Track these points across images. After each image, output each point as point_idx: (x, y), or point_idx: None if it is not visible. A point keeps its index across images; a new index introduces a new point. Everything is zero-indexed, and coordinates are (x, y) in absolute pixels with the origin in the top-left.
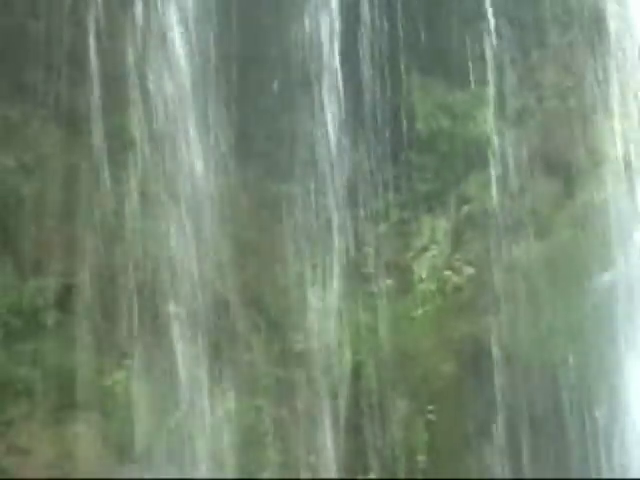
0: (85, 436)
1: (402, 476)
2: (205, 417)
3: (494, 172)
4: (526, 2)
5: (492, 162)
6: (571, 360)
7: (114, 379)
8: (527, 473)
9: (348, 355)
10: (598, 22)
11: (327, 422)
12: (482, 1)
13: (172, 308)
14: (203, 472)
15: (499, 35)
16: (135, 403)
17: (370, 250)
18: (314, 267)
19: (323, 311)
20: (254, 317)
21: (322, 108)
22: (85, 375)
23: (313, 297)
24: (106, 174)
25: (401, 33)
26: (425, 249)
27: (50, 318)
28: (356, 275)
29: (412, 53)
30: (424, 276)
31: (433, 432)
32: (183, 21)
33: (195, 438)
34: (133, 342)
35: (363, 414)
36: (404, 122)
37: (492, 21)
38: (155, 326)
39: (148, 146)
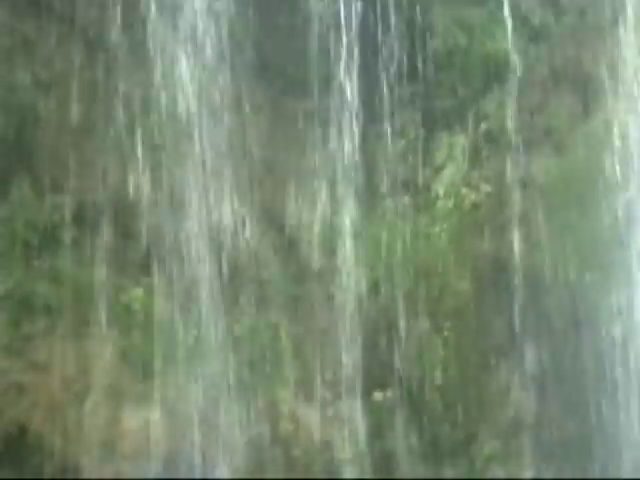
0: (103, 352)
1: (418, 393)
2: (223, 334)
3: (512, 89)
4: None
5: (510, 79)
6: (588, 277)
7: (132, 296)
8: (543, 390)
9: (365, 273)
10: None
11: (344, 339)
12: None
13: (189, 226)
14: (221, 389)
15: None
16: (153, 320)
17: (387, 168)
18: (331, 185)
19: (340, 229)
20: (271, 235)
21: (338, 25)
22: (103, 292)
23: (330, 215)
24: (123, 91)
25: None
26: (442, 167)
27: (67, 235)
28: (373, 193)
29: None
30: (441, 194)
31: (449, 350)
32: None
33: (213, 355)
34: (151, 260)
35: (380, 331)
36: (421, 39)
37: None
38: (173, 244)
39: (167, 63)
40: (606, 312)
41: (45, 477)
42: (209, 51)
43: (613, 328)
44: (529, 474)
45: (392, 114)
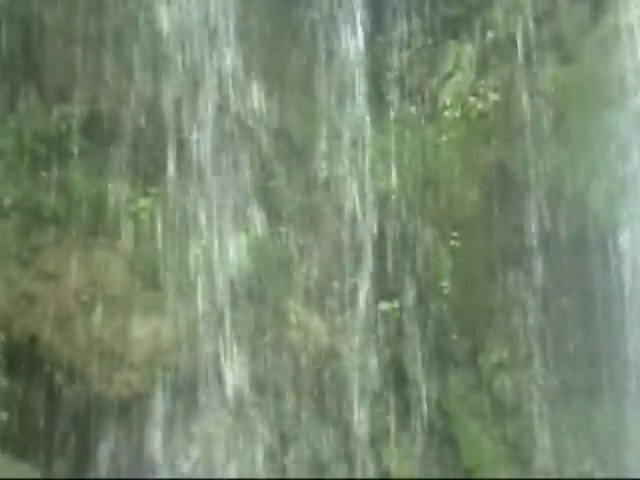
0: (112, 262)
1: (426, 302)
2: (231, 243)
3: None
4: None
5: None
6: (596, 185)
7: (140, 206)
8: (551, 298)
9: (373, 183)
10: None
11: (352, 249)
12: None
13: (196, 136)
14: (229, 299)
15: None
16: (161, 230)
17: (394, 77)
18: (338, 94)
19: (348, 139)
20: (279, 145)
21: None
22: (111, 202)
23: (337, 124)
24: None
25: None
26: (450, 75)
27: (75, 146)
28: (380, 103)
29: None
30: (449, 103)
31: (457, 259)
32: None
33: (221, 265)
34: (159, 170)
35: (387, 241)
36: None
37: None
38: (181, 155)
39: None
40: (614, 221)
41: (55, 385)
42: None
43: (621, 236)
44: (536, 384)
45: (399, 23)
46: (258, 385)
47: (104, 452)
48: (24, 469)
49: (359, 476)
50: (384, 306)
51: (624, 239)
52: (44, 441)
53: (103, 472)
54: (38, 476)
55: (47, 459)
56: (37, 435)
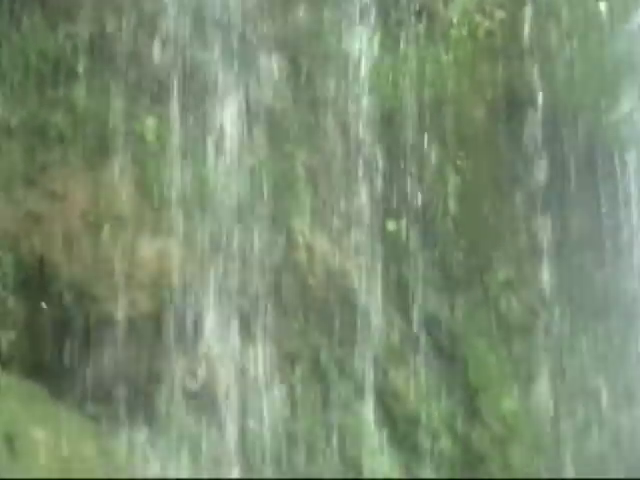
0: (118, 182)
1: (433, 222)
2: (237, 164)
3: None
4: None
5: None
6: (604, 103)
7: (146, 125)
8: (559, 215)
9: (379, 101)
10: None
11: (358, 169)
12: None
13: (202, 56)
14: (236, 219)
15: None
16: (167, 150)
17: None
18: (345, 13)
19: (353, 58)
20: (282, 63)
21: None
22: (117, 122)
23: (343, 43)
24: None
25: None
26: None
27: (81, 65)
28: (386, 21)
29: None
30: (455, 21)
31: (464, 178)
32: None
33: (227, 186)
34: (165, 90)
35: (395, 160)
36: None
37: None
38: (187, 75)
39: None
40: (620, 142)
41: (63, 305)
42: None
43: (627, 154)
44: (542, 302)
45: None
46: (266, 309)
47: (112, 372)
48: (32, 389)
49: (365, 396)
50: (390, 226)
51: (630, 157)
52: (52, 361)
53: (111, 391)
54: (46, 396)
55: (55, 379)
56: (45, 355)
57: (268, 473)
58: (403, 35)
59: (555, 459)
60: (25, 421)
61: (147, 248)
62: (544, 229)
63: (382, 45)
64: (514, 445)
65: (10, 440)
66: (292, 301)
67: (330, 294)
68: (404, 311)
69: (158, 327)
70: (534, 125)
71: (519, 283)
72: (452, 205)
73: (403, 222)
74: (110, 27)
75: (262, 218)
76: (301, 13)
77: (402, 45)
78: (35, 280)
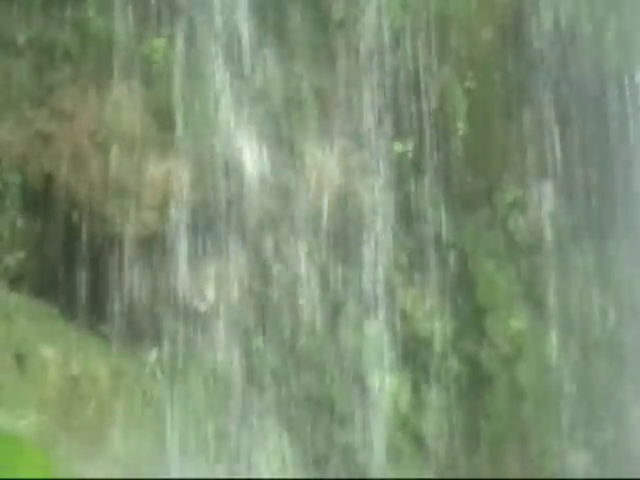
0: (126, 102)
1: (441, 143)
2: (245, 84)
3: None
4: None
5: None
6: (613, 24)
7: (153, 47)
8: (567, 136)
9: (387, 23)
10: None
11: (366, 88)
12: None
13: None
14: (244, 141)
15: None
16: (175, 71)
17: None
18: None
19: None
20: None
21: None
22: (124, 43)
23: None
24: None
25: None
26: None
27: None
28: None
29: None
30: None
31: (473, 99)
32: None
33: (235, 105)
34: (172, 12)
35: (402, 81)
36: None
37: None
38: None
39: None
40: (630, 60)
41: (72, 225)
42: None
43: (636, 76)
44: (550, 223)
45: None
46: (274, 225)
47: (121, 292)
48: (42, 308)
49: (373, 316)
50: (399, 147)
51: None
52: (61, 281)
53: (120, 311)
54: (56, 315)
55: (65, 299)
56: (54, 275)
57: (274, 392)
58: None
59: (561, 378)
60: (35, 340)
61: (155, 168)
62: (552, 150)
63: None
64: (521, 364)
65: (20, 358)
66: (301, 222)
67: (338, 215)
68: (412, 232)
69: (167, 247)
70: (542, 47)
71: (527, 203)
72: (460, 126)
73: (412, 143)
74: None
75: (271, 139)
76: None
77: None
78: (43, 201)
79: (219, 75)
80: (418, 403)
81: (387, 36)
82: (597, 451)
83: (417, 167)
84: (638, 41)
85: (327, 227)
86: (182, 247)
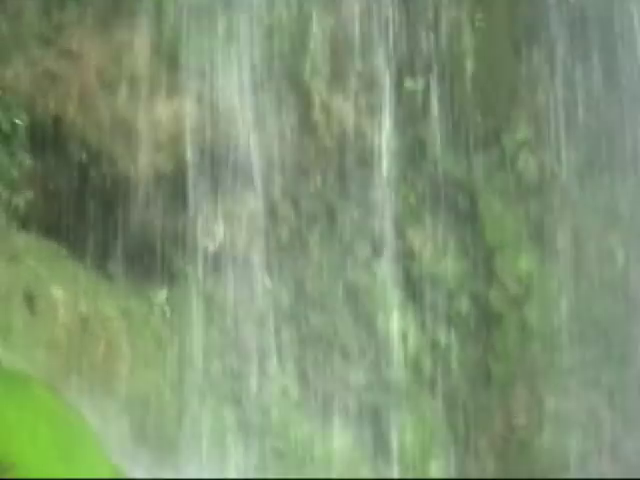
0: (134, 42)
1: (450, 82)
2: (253, 24)
3: None
4: None
5: None
6: None
7: None
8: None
9: None
10: None
11: (373, 27)
12: None
13: None
14: (250, 80)
15: None
16: (183, 12)
17: None
18: None
19: None
20: None
21: None
22: None
23: None
24: None
25: None
26: None
27: None
28: None
29: None
30: None
31: (482, 38)
32: None
33: (243, 45)
34: None
35: (411, 20)
36: None
37: None
38: None
39: None
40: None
41: (80, 165)
42: None
43: None
44: (559, 162)
45: None
46: (284, 169)
47: (130, 232)
48: (51, 248)
49: (382, 256)
50: (408, 85)
51: None
52: (70, 221)
53: (130, 252)
54: (65, 255)
55: (74, 239)
56: (63, 215)
57: (283, 332)
58: None
59: (570, 318)
60: (44, 280)
61: (164, 108)
62: (561, 88)
63: None
64: (530, 304)
65: (30, 298)
66: (310, 162)
67: (347, 155)
68: (422, 171)
69: (176, 187)
70: None
71: (536, 143)
72: (470, 65)
73: (421, 82)
74: None
75: (279, 78)
76: None
77: None
78: (51, 140)
79: (228, 15)
80: (427, 342)
81: None
82: (605, 390)
83: (426, 106)
84: None
85: (335, 166)
86: (191, 187)
